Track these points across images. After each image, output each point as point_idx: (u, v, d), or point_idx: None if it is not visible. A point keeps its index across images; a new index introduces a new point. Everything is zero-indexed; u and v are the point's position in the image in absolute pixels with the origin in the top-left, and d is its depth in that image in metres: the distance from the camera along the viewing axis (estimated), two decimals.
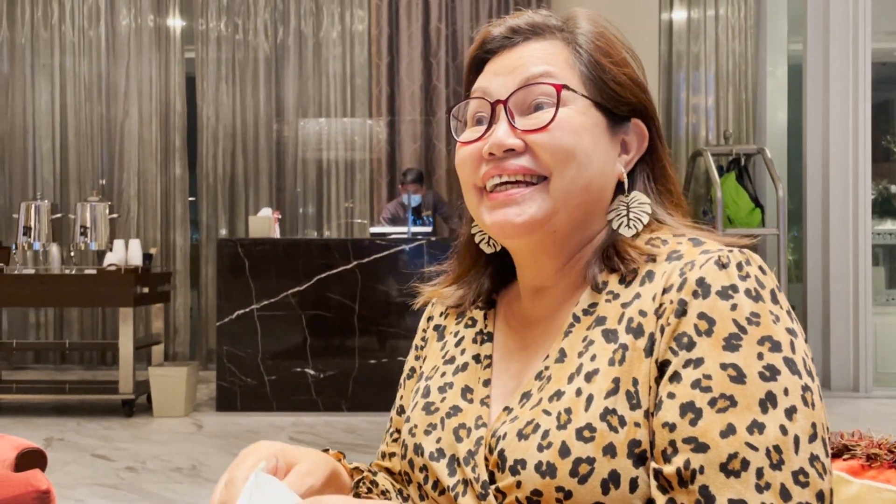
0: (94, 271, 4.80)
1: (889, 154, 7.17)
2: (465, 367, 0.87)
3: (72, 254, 5.39)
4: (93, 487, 3.34)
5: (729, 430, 0.66)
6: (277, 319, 4.77)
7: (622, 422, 0.70)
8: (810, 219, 5.62)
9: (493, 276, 0.91)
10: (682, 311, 0.70)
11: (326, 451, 0.85)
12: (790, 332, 0.70)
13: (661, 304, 0.72)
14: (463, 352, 0.89)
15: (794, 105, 6.29)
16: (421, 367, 0.95)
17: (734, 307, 0.69)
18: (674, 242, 0.78)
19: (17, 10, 6.77)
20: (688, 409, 0.67)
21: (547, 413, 0.73)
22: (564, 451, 0.70)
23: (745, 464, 0.65)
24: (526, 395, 0.78)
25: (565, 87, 0.79)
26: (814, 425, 0.67)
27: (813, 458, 0.66)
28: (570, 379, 0.74)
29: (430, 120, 6.34)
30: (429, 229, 5.43)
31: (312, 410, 4.72)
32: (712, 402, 0.67)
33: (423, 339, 0.98)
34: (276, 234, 5.16)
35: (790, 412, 0.66)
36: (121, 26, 6.69)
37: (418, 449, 0.83)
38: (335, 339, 4.82)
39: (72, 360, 6.72)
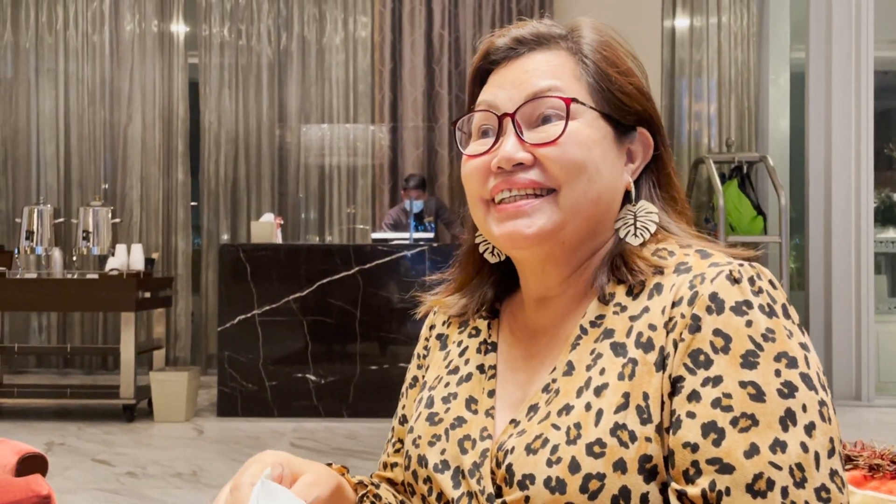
0: (96, 276, 4.80)
1: (891, 162, 7.17)
2: (469, 377, 0.86)
3: (74, 258, 5.40)
4: (93, 492, 3.33)
5: (753, 451, 0.66)
6: (279, 325, 4.77)
7: (633, 437, 0.69)
8: (812, 227, 5.61)
9: (497, 284, 0.91)
10: (696, 327, 0.70)
11: (330, 465, 0.84)
12: (803, 346, 0.70)
13: (671, 318, 0.72)
14: (467, 362, 0.88)
15: (797, 113, 6.28)
16: (423, 376, 0.94)
17: (749, 323, 0.69)
18: (681, 254, 0.77)
19: (21, 15, 6.79)
20: (710, 429, 0.67)
21: (556, 427, 0.73)
22: (574, 466, 0.70)
23: (771, 484, 0.65)
24: (533, 408, 0.77)
25: (574, 100, 0.78)
26: (831, 440, 0.67)
27: (833, 474, 0.66)
28: (579, 393, 0.74)
29: (432, 126, 6.34)
30: (431, 235, 5.42)
31: (313, 416, 4.72)
32: (734, 422, 0.67)
33: (425, 347, 0.97)
34: (278, 240, 5.16)
35: (809, 429, 0.66)
36: (125, 31, 6.70)
37: (422, 460, 0.83)
38: (336, 345, 4.82)
39: (73, 364, 6.72)
